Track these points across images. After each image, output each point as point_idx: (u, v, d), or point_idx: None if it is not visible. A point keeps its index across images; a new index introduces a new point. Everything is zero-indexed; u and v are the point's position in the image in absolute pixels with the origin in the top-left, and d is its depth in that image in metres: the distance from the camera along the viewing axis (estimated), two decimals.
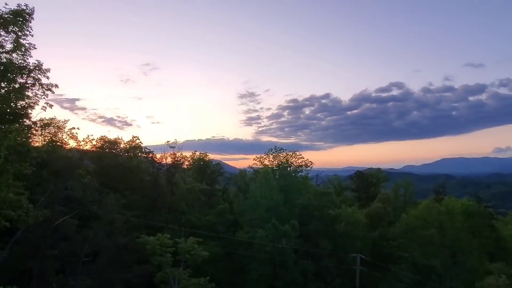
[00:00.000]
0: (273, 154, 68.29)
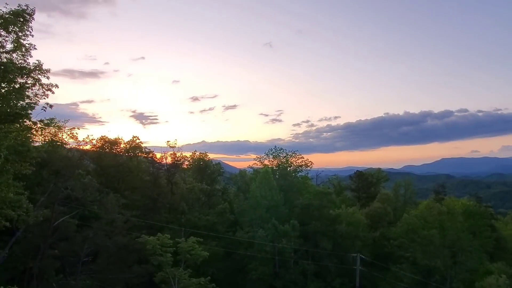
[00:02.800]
0: (273, 154, 68.32)
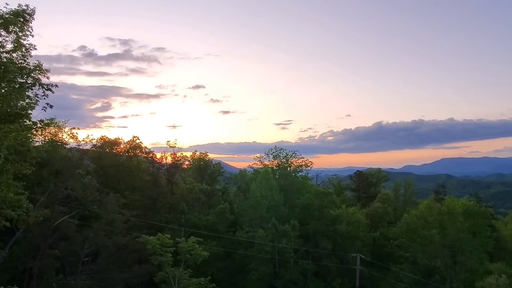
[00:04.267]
0: (273, 154, 68.29)
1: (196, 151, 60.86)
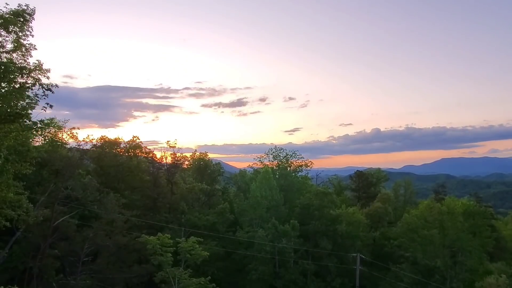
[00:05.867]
0: (273, 154, 68.32)
1: (196, 150, 60.96)
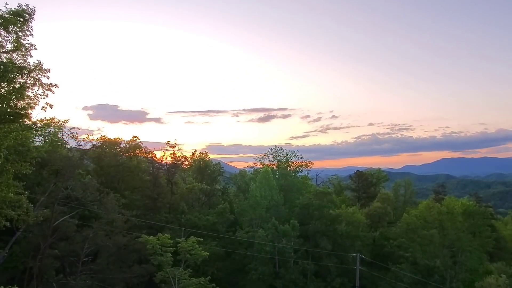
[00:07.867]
0: (273, 154, 68.34)
1: (196, 150, 60.94)
